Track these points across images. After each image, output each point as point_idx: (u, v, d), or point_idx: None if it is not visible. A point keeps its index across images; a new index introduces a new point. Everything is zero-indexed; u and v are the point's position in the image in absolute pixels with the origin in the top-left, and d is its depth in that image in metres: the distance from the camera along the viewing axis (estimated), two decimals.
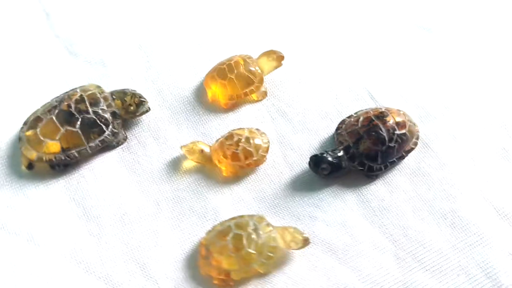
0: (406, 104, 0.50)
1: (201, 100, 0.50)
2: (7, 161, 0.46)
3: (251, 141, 0.45)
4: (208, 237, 0.42)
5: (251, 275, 0.41)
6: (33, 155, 0.45)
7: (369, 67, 0.52)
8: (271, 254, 0.41)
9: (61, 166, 0.45)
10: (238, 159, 0.45)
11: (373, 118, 0.45)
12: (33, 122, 0.46)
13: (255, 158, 0.45)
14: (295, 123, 0.49)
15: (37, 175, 0.45)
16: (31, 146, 0.45)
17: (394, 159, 0.45)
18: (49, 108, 0.46)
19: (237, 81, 0.49)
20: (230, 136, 0.46)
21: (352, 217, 0.44)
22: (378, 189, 0.45)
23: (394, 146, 0.45)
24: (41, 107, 0.47)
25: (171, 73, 0.51)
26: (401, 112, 0.46)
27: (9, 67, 0.51)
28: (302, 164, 0.47)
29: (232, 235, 0.41)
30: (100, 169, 0.46)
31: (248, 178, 0.46)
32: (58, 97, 0.47)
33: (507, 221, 0.44)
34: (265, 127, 0.48)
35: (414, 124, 0.47)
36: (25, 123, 0.47)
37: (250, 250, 0.40)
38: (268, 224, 0.42)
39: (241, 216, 0.42)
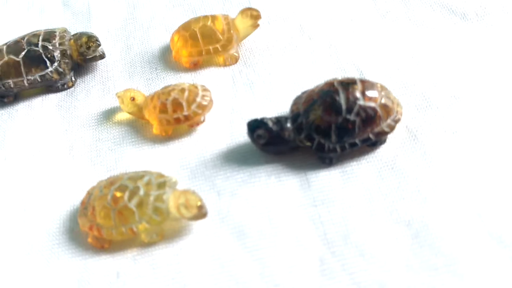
0: (401, 89, 0.39)
1: (165, 58, 0.44)
2: None
3: (186, 93, 0.37)
4: (97, 185, 0.34)
5: (127, 238, 0.32)
6: None
7: (365, 44, 0.42)
8: (156, 218, 0.32)
9: None
10: (166, 110, 0.37)
11: (336, 83, 0.35)
12: None
13: (185, 113, 0.37)
14: (258, 94, 0.40)
15: None
16: None
17: (356, 140, 0.34)
18: (8, 41, 0.44)
19: (200, 35, 0.42)
20: (167, 87, 0.39)
21: (283, 203, 0.34)
22: (329, 176, 0.35)
23: (355, 120, 0.34)
24: None
25: (146, 30, 0.46)
26: (379, 85, 0.35)
27: (10, 9, 0.50)
28: (246, 136, 0.38)
29: (117, 185, 0.33)
30: (36, 107, 0.42)
31: (179, 140, 0.38)
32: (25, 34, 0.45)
33: (501, 248, 0.30)
34: (223, 92, 0.41)
35: (395, 103, 0.35)
36: None
37: (129, 205, 0.32)
38: (166, 183, 0.33)
39: (143, 171, 0.34)
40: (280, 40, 0.44)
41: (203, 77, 0.43)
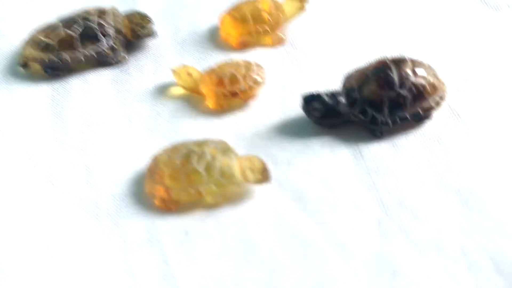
0: (444, 70, 0.41)
1: (214, 38, 0.46)
2: (9, 61, 0.45)
3: (243, 69, 0.40)
4: (162, 151, 0.36)
5: (196, 200, 0.34)
6: (29, 53, 0.44)
7: (407, 30, 0.44)
8: (223, 181, 0.34)
9: (53, 69, 0.44)
10: (223, 84, 0.39)
11: (388, 61, 0.37)
12: (44, 27, 0.45)
13: (242, 87, 0.39)
14: (306, 72, 0.42)
15: (30, 76, 0.44)
16: (31, 46, 0.44)
17: (407, 114, 0.37)
18: (62, 17, 0.46)
19: (250, 16, 0.44)
20: (224, 63, 0.41)
21: (338, 172, 0.36)
22: (380, 148, 0.37)
23: (406, 95, 0.36)
24: None
25: (194, 12, 0.48)
26: (427, 65, 0.38)
27: None
28: (299, 110, 0.39)
29: (185, 150, 0.35)
30: (90, 81, 0.44)
31: (233, 113, 0.40)
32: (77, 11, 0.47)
33: None
34: (273, 70, 0.43)
35: (441, 82, 0.38)
36: (35, 29, 0.46)
37: (198, 168, 0.34)
38: (230, 149, 0.35)
39: (206, 139, 0.36)
40: (324, 22, 0.46)
41: (252, 57, 0.44)
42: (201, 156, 0.34)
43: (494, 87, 0.41)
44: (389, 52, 0.44)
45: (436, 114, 0.39)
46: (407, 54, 0.43)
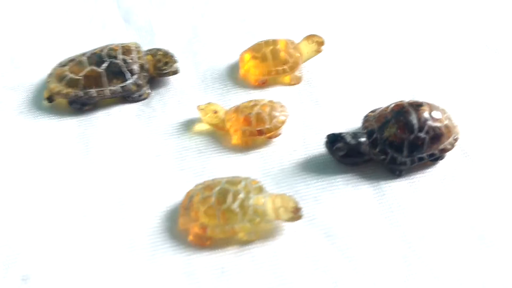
0: (452, 112, 0.44)
1: (233, 75, 0.48)
2: (34, 95, 0.47)
3: (268, 109, 0.42)
4: (194, 188, 0.38)
5: (230, 236, 0.36)
6: (54, 88, 0.45)
7: (418, 73, 0.47)
8: (257, 219, 0.36)
9: (78, 104, 0.45)
10: (250, 123, 0.41)
11: (406, 105, 0.40)
12: (67, 61, 0.47)
13: (267, 126, 0.41)
14: (324, 110, 0.45)
15: (55, 109, 0.45)
16: (56, 80, 0.46)
17: (424, 155, 0.39)
18: (85, 52, 0.47)
19: (270, 56, 0.46)
20: (249, 101, 0.43)
21: (362, 208, 0.38)
22: (399, 185, 0.40)
23: (425, 138, 0.39)
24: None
25: (212, 49, 0.50)
26: (441, 108, 0.41)
27: (71, 23, 0.52)
28: (320, 147, 0.42)
29: (218, 188, 0.36)
30: (116, 116, 0.45)
31: (258, 149, 0.42)
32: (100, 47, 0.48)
33: None
34: (292, 108, 0.45)
35: (454, 125, 0.41)
36: (59, 63, 0.47)
37: (233, 207, 0.36)
38: (261, 188, 0.37)
39: (236, 176, 0.38)
40: (340, 63, 0.48)
41: (270, 95, 0.46)
42: (235, 194, 0.36)
43: (499, 127, 0.44)
44: (401, 93, 0.47)
45: (449, 153, 0.42)
46: (419, 95, 0.47)
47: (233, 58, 0.50)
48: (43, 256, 0.37)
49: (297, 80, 0.48)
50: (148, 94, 0.47)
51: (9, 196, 0.40)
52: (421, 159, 0.40)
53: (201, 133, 0.44)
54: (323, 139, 0.42)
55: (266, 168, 0.41)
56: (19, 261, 0.37)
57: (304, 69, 0.48)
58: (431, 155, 0.40)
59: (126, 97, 0.46)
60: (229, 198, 0.36)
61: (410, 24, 0.52)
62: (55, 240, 0.38)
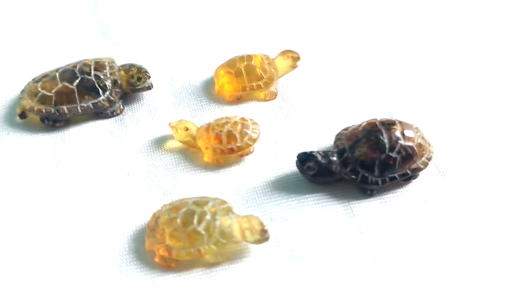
0: (429, 129, 0.44)
1: (208, 91, 0.48)
2: (7, 110, 0.46)
3: (239, 126, 0.41)
4: (161, 209, 0.37)
5: (195, 259, 0.35)
6: (26, 104, 0.45)
7: (394, 89, 0.47)
8: (223, 241, 0.35)
9: (50, 120, 0.45)
10: (220, 141, 0.41)
11: (378, 124, 0.40)
12: (40, 77, 0.46)
13: (238, 144, 0.41)
14: (298, 128, 0.44)
15: (27, 126, 0.45)
16: (29, 96, 0.45)
17: (396, 175, 0.39)
18: (58, 68, 0.47)
19: (245, 72, 0.46)
20: (220, 119, 0.43)
21: (331, 229, 0.38)
22: (370, 205, 0.39)
23: (396, 157, 0.38)
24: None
25: (187, 64, 0.50)
26: (414, 127, 0.40)
27: (48, 37, 0.52)
28: (292, 165, 0.41)
29: (184, 210, 0.36)
30: (88, 133, 0.45)
31: (229, 168, 0.42)
32: (73, 62, 0.48)
33: None
34: (265, 125, 0.44)
35: (428, 143, 0.40)
36: (33, 79, 0.47)
37: (198, 229, 0.35)
38: (229, 209, 0.36)
39: (204, 197, 0.38)
40: (315, 79, 0.48)
41: (245, 111, 0.46)
42: (201, 216, 0.36)
43: (475, 145, 0.43)
44: (377, 109, 0.47)
45: (422, 172, 0.41)
46: (395, 111, 0.46)
47: (208, 74, 0.49)
48: (7, 275, 0.36)
49: (272, 96, 0.47)
50: (122, 110, 0.46)
51: None
52: (392, 178, 0.39)
53: (173, 151, 0.44)
54: (293, 157, 0.41)
55: (237, 187, 0.41)
56: None
57: (280, 85, 0.48)
58: (403, 174, 0.39)
59: (99, 113, 0.46)
60: (195, 219, 0.35)
61: (386, 40, 0.52)
62: (20, 258, 0.37)
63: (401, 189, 0.40)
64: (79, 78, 0.45)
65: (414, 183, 0.40)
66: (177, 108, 0.47)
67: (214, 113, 0.46)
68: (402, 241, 0.37)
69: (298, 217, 0.39)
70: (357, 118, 0.44)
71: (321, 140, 0.43)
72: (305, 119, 0.45)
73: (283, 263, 0.36)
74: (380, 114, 0.45)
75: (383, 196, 0.40)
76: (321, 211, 0.39)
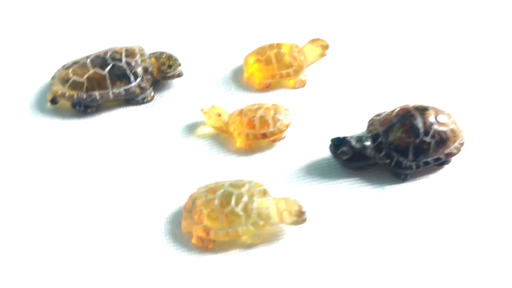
0: (459, 117, 0.44)
1: (237, 79, 0.48)
2: (37, 97, 0.46)
3: (271, 112, 0.42)
4: (197, 191, 0.38)
5: (233, 240, 0.36)
6: (58, 90, 0.45)
7: (423, 77, 0.47)
8: (261, 222, 0.35)
9: (82, 106, 0.45)
10: (253, 126, 0.41)
11: (411, 109, 0.40)
12: (71, 63, 0.47)
13: (271, 130, 0.41)
14: (327, 114, 0.45)
15: (58, 111, 0.45)
16: (60, 82, 0.46)
17: (430, 159, 0.39)
18: (89, 55, 0.47)
19: (274, 60, 0.46)
20: (252, 105, 0.43)
21: (365, 214, 0.38)
22: (404, 190, 0.39)
23: (430, 142, 0.39)
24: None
25: (216, 52, 0.50)
26: (447, 113, 0.41)
27: (76, 25, 0.52)
28: (324, 151, 0.42)
29: (222, 191, 0.36)
30: (119, 119, 0.45)
31: (261, 153, 0.42)
32: (103, 50, 0.48)
33: None
34: (295, 112, 0.45)
35: (460, 129, 0.40)
36: (63, 66, 0.47)
37: (237, 210, 0.35)
38: (265, 191, 0.37)
39: (239, 180, 0.38)
40: (343, 66, 0.48)
41: (274, 98, 0.46)
42: (238, 197, 0.36)
43: (504, 131, 0.43)
44: (406, 97, 0.47)
45: (455, 158, 0.42)
46: (424, 99, 0.46)
47: (237, 62, 0.50)
48: (45, 259, 0.37)
49: (301, 84, 0.48)
50: (152, 97, 0.47)
51: (12, 198, 0.40)
52: (426, 163, 0.39)
53: (204, 136, 0.44)
54: (327, 143, 0.41)
55: (270, 172, 0.41)
56: (19, 265, 0.37)
57: (308, 73, 0.49)
58: (437, 159, 0.39)
59: (130, 99, 0.46)
60: (233, 201, 0.36)
61: (416, 28, 0.52)
62: (57, 243, 0.37)
63: (434, 173, 0.41)
64: (111, 65, 0.45)
65: (447, 168, 0.41)
66: (207, 95, 0.47)
67: (244, 100, 0.46)
68: (435, 226, 0.37)
69: (332, 201, 0.39)
70: (386, 105, 0.44)
71: (351, 126, 0.44)
72: (335, 106, 0.45)
73: (317, 246, 0.36)
74: (409, 101, 0.45)
75: (416, 181, 0.40)
76: (354, 195, 0.39)
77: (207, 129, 0.44)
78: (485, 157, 0.41)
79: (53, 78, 0.47)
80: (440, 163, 0.40)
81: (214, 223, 0.35)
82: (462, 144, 0.40)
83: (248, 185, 0.37)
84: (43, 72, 0.49)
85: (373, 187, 0.40)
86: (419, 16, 0.53)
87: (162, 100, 0.47)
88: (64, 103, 0.46)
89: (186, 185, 0.40)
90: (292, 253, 0.36)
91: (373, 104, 0.45)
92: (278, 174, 0.41)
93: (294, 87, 0.47)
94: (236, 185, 0.37)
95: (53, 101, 0.46)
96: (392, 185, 0.39)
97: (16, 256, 0.37)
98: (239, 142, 0.43)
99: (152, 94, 0.47)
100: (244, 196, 0.36)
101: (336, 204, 0.39)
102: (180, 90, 0.48)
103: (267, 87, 0.47)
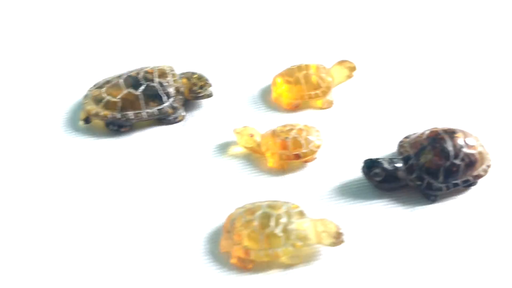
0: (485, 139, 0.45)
1: (265, 99, 0.49)
2: (69, 115, 0.47)
3: (304, 133, 0.43)
4: (236, 212, 0.39)
5: (272, 260, 0.37)
6: (92, 109, 0.46)
7: (447, 100, 0.48)
8: (299, 243, 0.37)
9: (115, 125, 0.46)
10: (286, 147, 0.42)
11: (441, 132, 0.41)
12: (103, 83, 0.48)
13: (304, 150, 0.42)
14: (357, 136, 0.46)
15: (91, 130, 0.46)
16: (93, 101, 0.46)
17: (459, 181, 0.41)
18: (120, 75, 0.48)
19: (303, 81, 0.47)
20: (284, 125, 0.44)
21: (397, 233, 0.39)
22: (434, 210, 0.40)
23: (460, 164, 0.40)
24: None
25: (243, 73, 0.51)
26: (474, 136, 0.42)
27: (104, 44, 0.53)
28: (355, 172, 0.43)
29: (260, 212, 0.37)
30: (151, 138, 0.46)
31: (293, 173, 0.43)
32: (134, 69, 0.49)
33: None
34: (325, 132, 0.46)
35: (486, 152, 0.42)
36: (95, 85, 0.48)
37: (276, 231, 0.36)
38: (302, 212, 0.38)
39: (276, 200, 0.39)
40: (369, 88, 0.49)
41: (302, 118, 0.48)
42: (277, 219, 0.37)
43: None
44: (430, 119, 0.47)
45: (481, 179, 0.43)
46: (447, 121, 0.48)
47: (264, 82, 0.51)
48: (87, 280, 0.37)
49: (328, 104, 0.49)
50: (183, 116, 0.48)
51: (46, 215, 0.41)
52: (455, 185, 0.41)
53: (236, 156, 0.45)
54: (356, 164, 0.43)
55: (302, 192, 0.42)
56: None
57: (335, 93, 0.50)
58: (465, 181, 0.41)
59: (162, 119, 0.47)
60: (272, 222, 0.37)
61: (440, 52, 0.53)
62: (97, 264, 0.38)
63: (462, 195, 0.42)
64: (144, 85, 0.46)
65: (474, 189, 0.42)
66: (236, 115, 0.48)
67: (272, 120, 0.47)
68: (463, 245, 0.39)
69: (364, 221, 0.40)
70: (411, 126, 0.45)
71: (377, 147, 0.45)
72: (361, 126, 0.47)
73: (352, 266, 0.38)
74: (432, 122, 0.46)
75: (445, 201, 0.41)
76: (387, 216, 0.40)
77: (238, 149, 0.45)
78: (511, 179, 0.43)
79: (85, 97, 0.48)
80: (468, 184, 0.41)
81: (254, 244, 0.37)
82: (489, 167, 0.42)
83: (286, 207, 0.38)
84: (73, 90, 0.50)
85: (404, 208, 0.41)
86: (445, 39, 0.54)
87: (192, 120, 0.48)
88: (96, 121, 0.47)
89: (221, 204, 0.41)
90: (329, 272, 0.37)
91: (398, 125, 0.46)
92: (310, 194, 0.42)
93: (321, 108, 0.48)
94: (274, 206, 0.38)
95: (87, 120, 0.47)
96: (422, 206, 0.41)
97: (59, 276, 0.38)
98: (271, 162, 0.44)
99: (183, 113, 0.48)
100: (283, 217, 0.37)
101: (369, 224, 0.40)
102: (210, 109, 0.49)
103: (295, 107, 0.49)
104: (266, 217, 0.37)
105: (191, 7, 0.57)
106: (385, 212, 0.41)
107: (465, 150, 0.41)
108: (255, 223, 0.37)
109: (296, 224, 0.37)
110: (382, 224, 0.40)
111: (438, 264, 0.38)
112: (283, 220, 0.37)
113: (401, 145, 0.43)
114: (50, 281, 0.38)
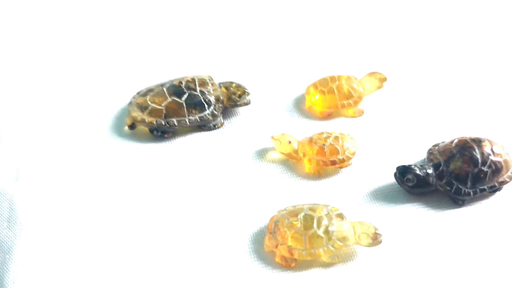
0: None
1: (299, 107, 0.52)
2: (115, 122, 0.50)
3: (340, 140, 0.46)
4: (279, 214, 0.42)
5: (314, 259, 0.40)
6: (137, 116, 0.49)
7: (470, 109, 0.51)
8: (340, 243, 0.40)
9: (159, 131, 0.49)
10: (323, 154, 0.45)
11: (469, 140, 0.44)
12: (146, 91, 0.51)
13: (340, 157, 0.45)
14: (386, 143, 0.49)
15: (136, 136, 0.49)
16: (138, 108, 0.49)
17: (485, 187, 0.43)
18: (163, 83, 0.51)
19: (336, 91, 0.50)
20: (321, 133, 0.47)
21: (430, 235, 0.42)
22: (462, 213, 0.43)
23: (487, 171, 0.43)
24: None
25: (278, 81, 0.54)
26: (500, 145, 0.45)
27: (144, 53, 0.56)
28: (387, 177, 0.46)
29: (303, 214, 0.40)
30: (193, 143, 0.49)
31: (329, 178, 0.46)
32: (175, 79, 0.52)
33: None
34: (357, 139, 0.48)
35: (511, 159, 0.45)
36: (138, 92, 0.51)
37: (319, 232, 0.39)
38: (342, 215, 0.41)
39: (316, 203, 0.42)
40: (396, 98, 0.52)
41: (334, 126, 0.50)
42: (319, 220, 0.40)
43: None
44: (455, 128, 0.50)
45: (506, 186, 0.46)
46: (472, 131, 0.50)
47: (297, 91, 0.54)
48: (132, 281, 0.40)
49: (359, 113, 0.52)
50: (222, 123, 0.51)
51: (92, 218, 0.43)
52: (482, 190, 0.43)
53: (274, 161, 0.48)
54: (388, 169, 0.45)
55: (339, 195, 0.45)
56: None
57: (366, 103, 0.53)
58: (492, 187, 0.44)
59: (202, 126, 0.50)
60: (314, 223, 0.40)
61: (466, 65, 0.55)
62: (143, 267, 0.41)
63: (488, 199, 0.45)
64: (187, 94, 0.49)
65: (498, 194, 0.45)
66: (272, 122, 0.51)
67: (306, 127, 0.50)
68: (490, 246, 0.41)
69: (399, 223, 0.43)
70: (437, 134, 0.48)
71: (406, 154, 0.47)
72: (391, 134, 0.49)
73: (388, 265, 0.40)
74: (460, 132, 0.48)
75: (472, 206, 0.44)
76: (418, 218, 0.43)
77: (276, 155, 0.48)
78: None
79: (130, 104, 0.51)
80: (494, 190, 0.44)
81: (297, 244, 0.39)
82: None
83: (326, 209, 0.41)
84: (118, 98, 0.53)
85: (434, 211, 0.44)
86: (473, 50, 0.57)
87: (230, 127, 0.51)
88: (141, 127, 0.50)
89: (263, 206, 0.44)
90: (366, 271, 0.40)
91: (426, 133, 0.49)
92: (346, 198, 0.45)
93: (353, 116, 0.51)
94: (315, 208, 0.41)
95: (132, 126, 0.50)
96: (451, 209, 0.44)
97: (116, 273, 0.40)
98: (308, 168, 0.47)
99: (222, 121, 0.51)
100: (324, 219, 0.40)
101: (401, 226, 0.43)
102: (247, 117, 0.51)
103: (328, 116, 0.51)
104: (309, 219, 0.40)
105: (230, 19, 0.60)
106: (416, 215, 0.43)
107: (492, 157, 0.43)
108: (299, 225, 0.40)
109: (337, 226, 0.40)
110: (414, 226, 0.43)
111: (466, 263, 0.41)
112: (325, 222, 0.40)
113: (430, 152, 0.45)
114: (110, 279, 0.40)
